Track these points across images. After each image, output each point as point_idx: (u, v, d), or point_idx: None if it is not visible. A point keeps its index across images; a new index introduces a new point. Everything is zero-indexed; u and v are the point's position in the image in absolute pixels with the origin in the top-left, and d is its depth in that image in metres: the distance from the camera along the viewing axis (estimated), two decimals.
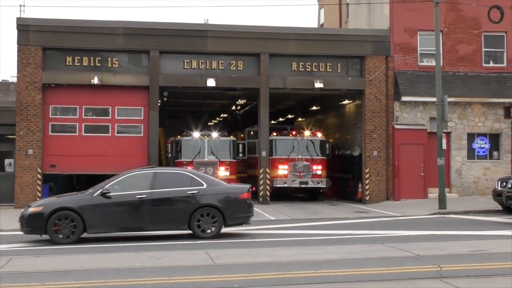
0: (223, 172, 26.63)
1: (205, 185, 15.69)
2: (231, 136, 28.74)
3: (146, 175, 16.05)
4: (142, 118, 25.96)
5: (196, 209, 15.40)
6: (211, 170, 26.31)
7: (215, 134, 27.63)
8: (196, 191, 15.57)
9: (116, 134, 25.83)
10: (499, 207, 21.49)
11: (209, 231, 15.38)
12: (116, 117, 25.81)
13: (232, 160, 27.36)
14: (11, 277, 10.20)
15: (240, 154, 28.26)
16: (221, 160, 26.86)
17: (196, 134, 27.46)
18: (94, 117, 25.94)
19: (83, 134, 25.58)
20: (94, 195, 15.21)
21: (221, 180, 17.65)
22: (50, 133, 25.29)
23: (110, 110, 25.75)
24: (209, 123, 39.55)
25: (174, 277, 9.93)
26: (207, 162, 26.68)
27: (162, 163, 31.96)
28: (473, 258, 11.44)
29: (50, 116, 25.43)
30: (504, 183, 21.16)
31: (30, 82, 24.84)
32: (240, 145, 28.44)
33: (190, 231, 15.55)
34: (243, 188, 16.28)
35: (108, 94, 25.64)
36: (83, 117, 25.68)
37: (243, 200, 15.83)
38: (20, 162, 24.66)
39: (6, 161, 26.64)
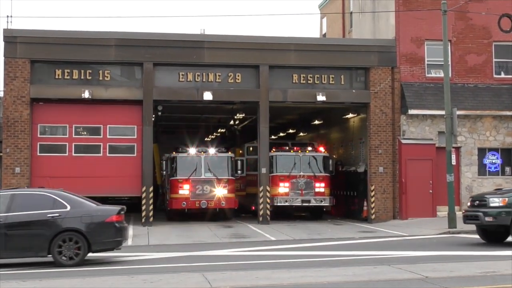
0: (221, 190, 26.68)
1: (68, 207, 15.10)
2: (229, 152, 28.77)
3: (3, 197, 15.30)
4: (135, 137, 25.91)
5: (57, 234, 14.74)
6: (208, 188, 26.60)
7: (212, 150, 27.68)
8: (57, 214, 14.94)
9: (108, 154, 25.71)
10: None
11: (73, 258, 14.72)
12: (108, 136, 25.75)
13: (230, 177, 27.38)
14: None
15: (239, 171, 28.05)
16: (219, 177, 26.94)
17: (192, 150, 27.48)
18: (84, 136, 25.94)
19: (73, 154, 25.51)
20: None
21: (91, 202, 16.80)
22: (38, 154, 25.19)
23: (101, 129, 25.73)
24: (206, 139, 39.58)
25: None
26: (204, 180, 26.83)
27: (157, 181, 31.92)
28: (484, 280, 11.40)
29: (39, 136, 25.35)
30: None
31: (17, 97, 24.84)
32: (239, 162, 28.25)
33: (51, 259, 14.98)
34: (112, 211, 15.54)
35: (99, 110, 25.64)
36: (73, 136, 25.61)
37: (111, 224, 15.17)
38: (7, 181, 24.60)
39: None
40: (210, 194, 26.68)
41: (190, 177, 26.75)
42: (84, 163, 25.46)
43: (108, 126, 25.71)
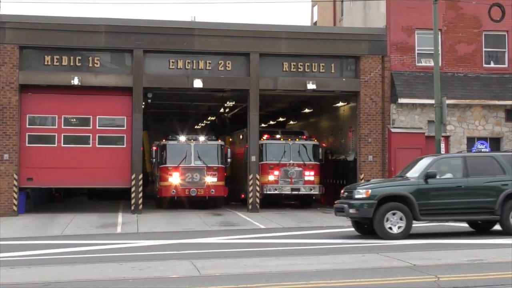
0: (210, 178, 26.92)
1: None
2: (219, 140, 29.05)
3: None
4: (125, 128, 25.80)
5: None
6: (198, 176, 26.75)
7: (202, 138, 27.82)
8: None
9: (97, 145, 25.60)
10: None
11: None
12: (97, 127, 25.65)
13: (220, 165, 27.61)
14: None
15: (229, 159, 28.22)
16: (209, 165, 27.17)
17: (182, 138, 27.68)
18: (74, 127, 25.75)
19: (62, 145, 25.39)
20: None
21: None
22: (27, 145, 25.09)
23: (91, 119, 25.61)
24: (196, 127, 39.51)
25: None
26: (193, 168, 26.97)
27: (146, 169, 31.86)
28: (471, 268, 11.51)
29: (27, 126, 25.20)
30: None
31: (6, 83, 24.72)
32: (229, 150, 28.44)
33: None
34: None
35: (89, 97, 25.54)
36: (62, 127, 25.44)
37: None
38: None
39: None
40: (199, 182, 26.83)
41: (180, 165, 26.91)
42: (73, 154, 25.38)
43: (97, 116, 25.59)
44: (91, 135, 25.64)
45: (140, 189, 25.31)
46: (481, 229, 18.63)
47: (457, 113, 27.54)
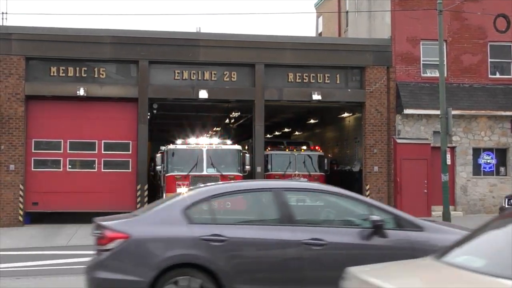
0: None
1: None
2: (236, 145, 25.66)
3: None
4: (130, 152, 25.75)
5: None
6: None
7: (216, 141, 24.86)
8: None
9: (102, 170, 25.62)
10: None
11: None
12: (102, 152, 25.68)
13: (237, 174, 23.87)
14: None
15: (247, 167, 24.62)
16: (224, 174, 23.48)
17: (192, 141, 24.62)
18: (79, 151, 25.72)
19: (68, 169, 25.44)
20: None
21: None
22: (32, 169, 25.11)
23: (96, 143, 25.65)
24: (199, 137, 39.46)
25: None
26: (205, 177, 23.04)
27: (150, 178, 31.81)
28: None
29: (33, 151, 25.24)
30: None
31: (12, 94, 24.79)
32: (247, 156, 24.81)
33: None
34: None
35: (94, 108, 25.63)
36: (68, 151, 25.51)
37: None
38: (1, 178, 24.55)
39: None
40: None
41: (190, 173, 23.39)
42: (78, 178, 25.37)
43: (103, 141, 25.61)
44: (96, 159, 25.67)
45: (146, 199, 25.31)
46: None
47: (463, 124, 27.55)
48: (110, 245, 7.92)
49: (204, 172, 23.43)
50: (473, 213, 27.08)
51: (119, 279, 7.82)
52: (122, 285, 7.80)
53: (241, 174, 24.00)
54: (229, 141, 25.14)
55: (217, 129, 40.68)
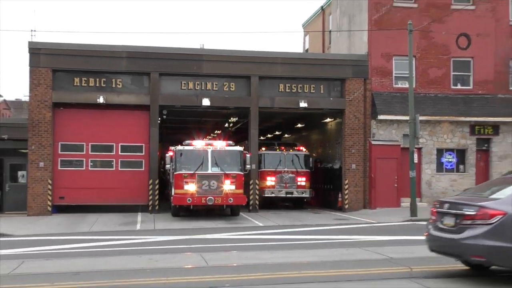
0: (228, 186, 22.36)
1: None
2: (238, 146, 24.49)
3: None
4: (143, 154, 25.82)
5: None
6: (215, 183, 22.30)
7: (220, 143, 23.85)
8: None
9: (119, 169, 25.70)
10: None
11: None
12: (119, 153, 25.75)
13: (239, 172, 22.92)
14: (23, 278, 10.28)
15: (248, 166, 23.78)
16: (227, 172, 22.58)
17: (199, 143, 23.58)
18: (99, 153, 25.76)
19: (90, 168, 25.52)
20: None
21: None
22: (59, 168, 25.20)
23: (114, 146, 25.73)
24: (204, 139, 39.41)
25: (171, 278, 10.04)
26: (210, 175, 22.44)
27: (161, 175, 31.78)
28: (440, 260, 11.54)
29: (59, 153, 25.31)
30: None
31: (41, 101, 24.84)
32: (248, 156, 23.88)
33: None
34: None
35: (112, 114, 25.69)
36: (90, 153, 25.59)
37: None
38: (32, 174, 24.63)
39: (19, 173, 26.73)
40: (217, 190, 22.23)
41: (196, 172, 22.31)
42: (99, 176, 25.49)
43: (120, 144, 25.69)
44: (114, 160, 25.72)
45: (157, 192, 25.42)
46: None
47: (428, 128, 27.66)
48: (492, 220, 8.83)
49: (209, 171, 22.51)
50: None
51: (504, 246, 8.69)
52: (507, 250, 8.68)
53: (242, 173, 23.18)
54: (231, 143, 24.18)
55: (218, 132, 40.67)
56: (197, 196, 22.06)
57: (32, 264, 11.96)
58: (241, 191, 22.79)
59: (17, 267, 11.37)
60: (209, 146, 22.95)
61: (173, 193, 23.17)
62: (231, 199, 22.25)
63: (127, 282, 9.74)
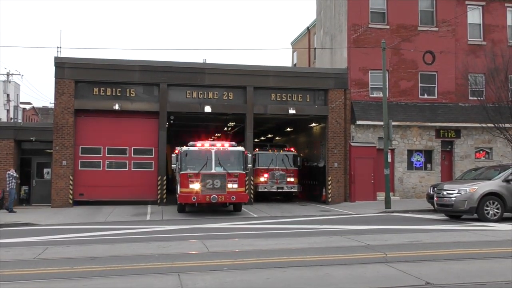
0: (231, 184, 20.79)
1: None
2: (240, 146, 22.76)
3: None
4: (153, 156, 25.61)
5: None
6: (218, 182, 20.61)
7: (223, 144, 22.10)
8: None
9: (132, 169, 25.48)
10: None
11: None
12: (132, 156, 25.56)
13: (241, 171, 21.22)
14: (47, 262, 10.09)
15: (249, 165, 22.18)
16: (229, 171, 20.92)
17: (203, 144, 21.85)
18: (115, 155, 25.53)
19: (106, 169, 25.29)
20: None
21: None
22: (79, 168, 25.00)
23: (127, 149, 25.51)
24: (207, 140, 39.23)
25: (176, 262, 9.87)
26: (214, 174, 20.72)
27: (168, 173, 31.59)
28: (411, 247, 11.50)
29: (80, 155, 25.10)
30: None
31: (65, 108, 24.69)
32: (249, 156, 22.30)
33: None
34: None
35: (126, 120, 25.48)
36: (106, 155, 25.37)
37: None
38: (56, 171, 24.44)
39: (45, 170, 26.51)
40: (220, 189, 20.61)
41: (201, 172, 20.66)
42: (114, 176, 25.28)
43: (132, 148, 25.46)
44: (127, 161, 25.50)
45: (164, 187, 25.22)
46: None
47: (400, 132, 27.61)
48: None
49: (213, 170, 20.74)
50: (407, 198, 27.18)
51: None
52: None
53: (244, 172, 21.51)
54: (234, 143, 22.28)
55: (218, 135, 40.53)
56: (201, 195, 20.42)
57: (54, 250, 11.76)
58: (243, 189, 21.36)
59: (42, 253, 11.17)
60: (213, 147, 21.33)
61: (179, 192, 21.54)
62: (234, 197, 20.75)
63: (138, 266, 9.56)
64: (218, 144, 21.65)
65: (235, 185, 20.82)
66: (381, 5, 28.01)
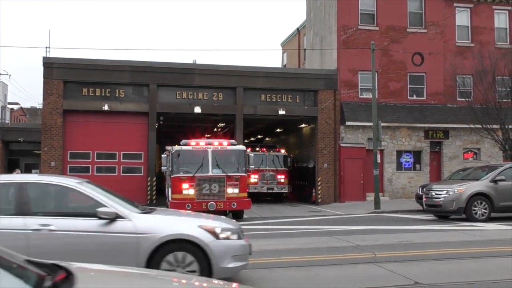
0: (231, 189, 18.02)
1: None
2: (241, 145, 19.92)
3: None
4: (142, 161, 25.44)
5: None
6: (216, 187, 17.84)
7: (221, 142, 19.03)
8: None
9: (121, 174, 25.29)
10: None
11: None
12: (121, 160, 25.36)
13: (242, 174, 18.43)
14: None
15: (252, 166, 19.49)
16: (229, 174, 18.05)
17: (197, 143, 18.91)
18: (104, 160, 25.31)
19: (95, 174, 24.94)
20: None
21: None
22: (68, 173, 24.62)
23: (117, 154, 25.33)
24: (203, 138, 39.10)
25: None
26: (211, 178, 17.90)
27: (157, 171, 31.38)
28: (400, 247, 11.53)
29: (69, 160, 24.84)
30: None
31: (53, 109, 24.50)
32: (250, 156, 19.27)
33: None
34: None
35: (115, 122, 25.26)
36: (95, 160, 25.13)
37: None
38: (45, 172, 24.22)
39: (33, 171, 26.32)
40: (219, 194, 17.87)
41: (195, 175, 17.77)
42: (103, 181, 24.88)
43: (122, 152, 25.24)
44: (117, 166, 25.32)
45: (154, 188, 25.12)
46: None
47: (389, 133, 27.72)
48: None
49: (210, 173, 17.91)
50: (397, 198, 27.29)
51: None
52: None
53: (246, 174, 18.88)
54: (233, 141, 19.52)
55: (208, 135, 40.35)
56: (197, 201, 17.57)
57: None
58: (245, 194, 18.35)
59: None
60: (209, 146, 18.31)
61: (170, 198, 18.57)
62: (235, 203, 17.91)
63: None
64: (216, 142, 18.78)
65: (236, 190, 17.98)
66: (371, 7, 28.14)
